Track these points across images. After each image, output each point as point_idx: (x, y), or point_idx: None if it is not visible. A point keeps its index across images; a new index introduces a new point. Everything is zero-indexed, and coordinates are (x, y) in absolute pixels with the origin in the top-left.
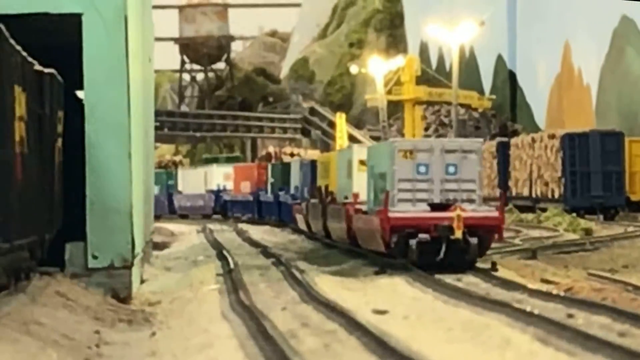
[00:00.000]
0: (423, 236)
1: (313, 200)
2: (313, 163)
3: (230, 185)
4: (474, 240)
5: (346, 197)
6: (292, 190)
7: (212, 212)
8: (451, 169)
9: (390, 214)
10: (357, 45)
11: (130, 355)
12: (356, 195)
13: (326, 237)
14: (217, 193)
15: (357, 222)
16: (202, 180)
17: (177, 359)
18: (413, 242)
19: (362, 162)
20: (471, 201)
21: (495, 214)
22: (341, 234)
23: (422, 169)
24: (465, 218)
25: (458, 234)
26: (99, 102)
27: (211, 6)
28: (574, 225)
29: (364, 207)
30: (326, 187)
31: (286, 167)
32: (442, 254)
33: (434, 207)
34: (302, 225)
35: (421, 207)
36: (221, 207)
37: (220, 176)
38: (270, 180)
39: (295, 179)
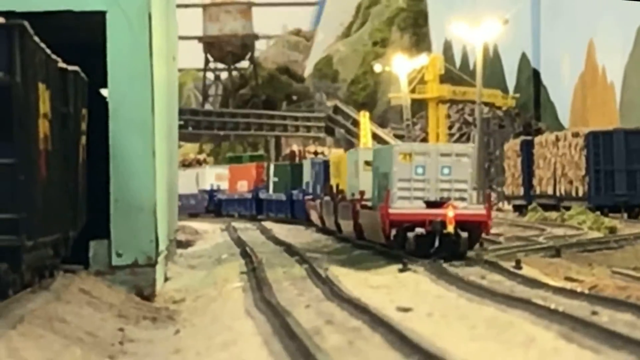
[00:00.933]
0: (419, 230)
1: (326, 198)
2: (326, 163)
3: (224, 185)
4: (464, 234)
5: (353, 195)
6: (304, 188)
7: (205, 211)
8: (445, 171)
9: (390, 210)
10: (381, 44)
11: (154, 353)
12: (362, 193)
13: (338, 232)
14: (211, 192)
15: (363, 217)
16: (193, 181)
17: (201, 356)
18: (410, 235)
19: (367, 163)
20: (463, 199)
21: (483, 211)
22: (349, 229)
23: (420, 170)
24: (457, 214)
25: (450, 228)
26: (123, 100)
27: (235, 5)
28: (598, 224)
29: (369, 204)
30: (337, 185)
31: (297, 167)
32: (435, 246)
33: (429, 204)
34: (316, 221)
35: (418, 204)
36: (215, 206)
37: (212, 177)
38: (274, 179)
39: (307, 177)
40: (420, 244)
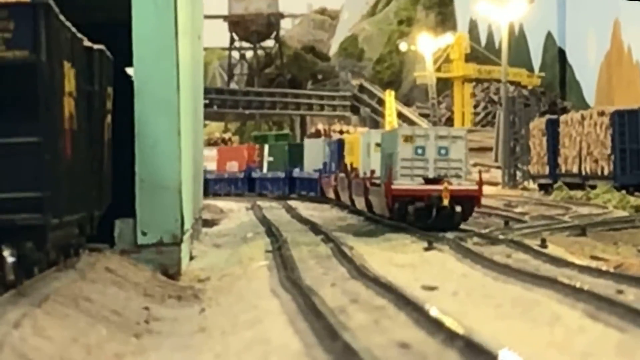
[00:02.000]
0: (418, 204)
1: (341, 175)
2: (340, 142)
3: (212, 166)
4: (458, 208)
5: (365, 173)
6: (320, 166)
7: None
8: (442, 151)
9: (393, 186)
10: (407, 23)
11: (180, 331)
12: (372, 171)
13: (352, 206)
14: None
15: (372, 193)
16: None
17: (227, 335)
18: (411, 208)
19: (378, 145)
20: (458, 177)
21: (475, 187)
22: (361, 204)
23: (420, 150)
24: (452, 190)
25: (446, 202)
26: (149, 79)
27: None
28: (623, 203)
29: (377, 181)
30: (351, 164)
31: (296, 146)
32: (433, 218)
33: (428, 181)
34: (330, 195)
35: (418, 181)
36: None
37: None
38: (269, 159)
39: (319, 156)
40: (419, 216)
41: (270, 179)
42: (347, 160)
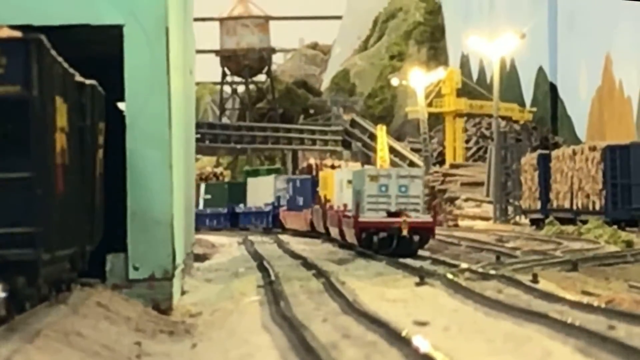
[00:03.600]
0: (382, 234)
1: (316, 207)
2: (313, 178)
3: None
4: (416, 237)
5: (339, 206)
6: (271, 200)
7: None
8: (403, 189)
9: (360, 219)
10: (398, 58)
11: None
12: (345, 205)
13: (326, 235)
14: None
15: (345, 224)
16: None
17: None
18: (375, 238)
19: (349, 181)
20: (416, 210)
21: (430, 220)
22: (335, 233)
23: (383, 188)
24: (410, 222)
25: (405, 232)
26: (140, 113)
27: (252, 18)
28: (614, 238)
29: (349, 214)
30: (325, 196)
31: (237, 185)
32: (394, 246)
33: (390, 214)
34: (292, 226)
35: (381, 214)
36: None
37: None
38: (206, 196)
39: (267, 192)
40: (383, 244)
41: (209, 215)
42: (321, 193)
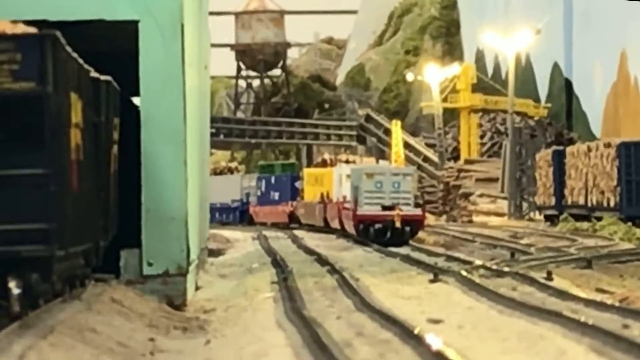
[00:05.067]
0: (378, 225)
1: (306, 201)
2: (293, 176)
3: None
4: (407, 228)
5: (338, 199)
6: (238, 197)
7: None
8: (396, 185)
9: (358, 212)
10: (413, 53)
11: None
12: (344, 197)
13: (324, 226)
14: None
15: (344, 216)
16: None
17: None
18: (371, 229)
19: (347, 176)
20: (408, 204)
21: (420, 212)
22: (335, 224)
23: (378, 184)
24: (402, 215)
25: (397, 224)
26: (155, 109)
27: (267, 13)
28: (629, 235)
29: (348, 206)
30: (327, 192)
31: None
32: (388, 236)
33: (384, 208)
34: (263, 220)
35: (377, 208)
36: None
37: None
38: None
39: (234, 189)
40: (378, 234)
41: None
42: (322, 189)
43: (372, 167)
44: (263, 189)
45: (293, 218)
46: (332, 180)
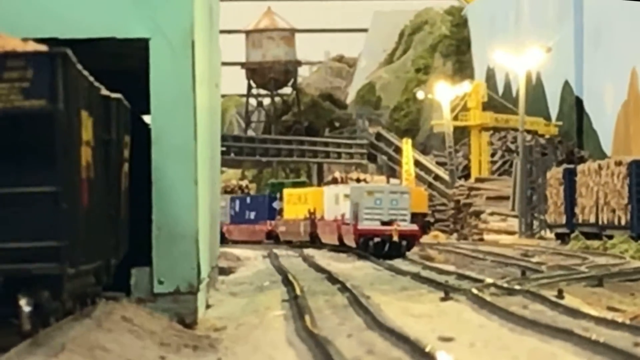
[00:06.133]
0: (376, 239)
1: (287, 219)
2: (270, 197)
3: None
4: (404, 242)
5: (335, 216)
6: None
7: None
8: (394, 202)
9: (359, 227)
10: (424, 71)
11: None
12: (343, 215)
13: (310, 242)
14: None
15: (343, 230)
16: None
17: None
18: (371, 242)
19: (346, 195)
20: (404, 220)
21: (416, 228)
22: (332, 239)
23: (378, 201)
24: (399, 230)
25: (395, 238)
26: (166, 127)
27: (278, 31)
28: None
29: (347, 222)
30: (315, 210)
31: None
32: (386, 249)
33: (383, 223)
34: (257, 237)
35: (376, 223)
36: None
37: None
38: None
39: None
40: (377, 248)
41: None
42: (310, 207)
43: (371, 185)
44: (237, 208)
45: (271, 236)
46: (323, 198)
